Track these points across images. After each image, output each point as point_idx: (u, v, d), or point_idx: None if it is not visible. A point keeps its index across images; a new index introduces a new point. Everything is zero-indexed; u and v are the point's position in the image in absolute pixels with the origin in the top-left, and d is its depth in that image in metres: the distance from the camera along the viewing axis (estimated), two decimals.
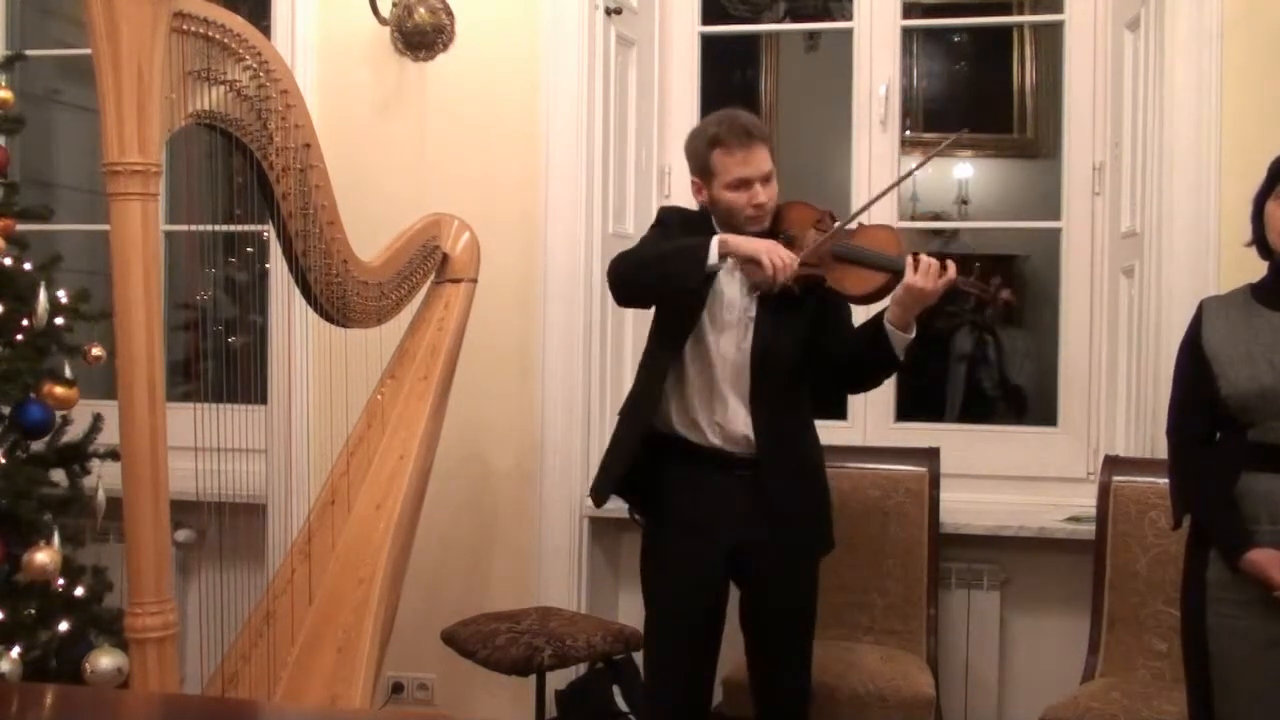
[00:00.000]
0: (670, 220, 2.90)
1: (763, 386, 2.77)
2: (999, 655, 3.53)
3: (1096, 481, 3.33)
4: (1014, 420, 5.83)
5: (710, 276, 2.68)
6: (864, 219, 2.82)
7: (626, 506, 3.09)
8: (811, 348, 2.80)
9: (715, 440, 2.79)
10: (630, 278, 2.76)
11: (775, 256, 2.61)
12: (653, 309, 2.91)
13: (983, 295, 2.67)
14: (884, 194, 2.99)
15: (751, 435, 2.77)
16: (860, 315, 2.88)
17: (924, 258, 2.61)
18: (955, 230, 6.13)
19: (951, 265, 2.61)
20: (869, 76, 3.84)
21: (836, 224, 2.76)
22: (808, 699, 2.93)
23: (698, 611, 2.83)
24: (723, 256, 2.64)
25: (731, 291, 2.78)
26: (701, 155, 2.78)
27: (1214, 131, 3.28)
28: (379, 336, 3.10)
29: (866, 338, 2.73)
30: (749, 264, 2.66)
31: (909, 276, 2.60)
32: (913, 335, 2.67)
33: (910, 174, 2.89)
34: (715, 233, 2.79)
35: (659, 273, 2.71)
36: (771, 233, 2.78)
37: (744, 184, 2.73)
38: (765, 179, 2.75)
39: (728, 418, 2.78)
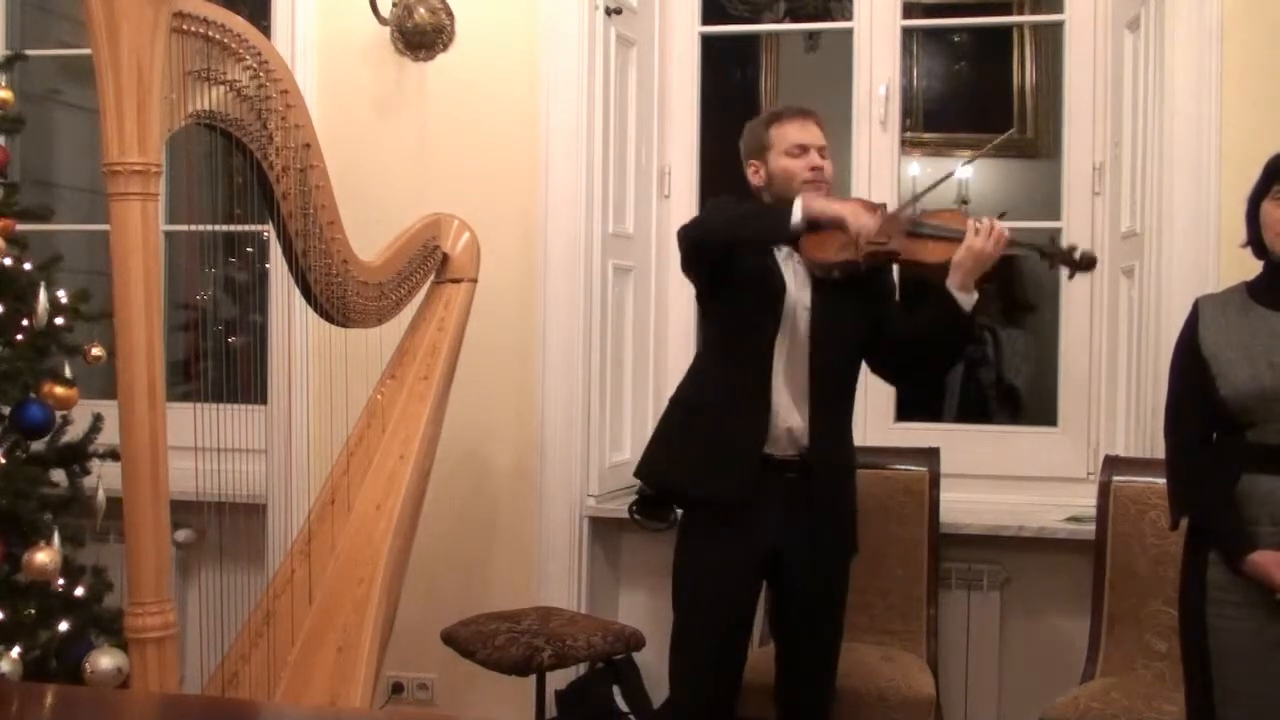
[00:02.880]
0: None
1: (820, 379, 2.76)
2: (999, 655, 3.53)
3: (1096, 481, 3.33)
4: (1010, 420, 5.82)
5: (796, 236, 2.66)
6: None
7: (627, 506, 3.07)
8: (869, 339, 2.81)
9: (763, 448, 2.77)
10: (714, 231, 2.73)
11: (861, 217, 2.63)
12: (701, 307, 2.90)
13: (1066, 259, 2.70)
14: (942, 180, 2.99)
15: (798, 433, 2.76)
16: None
17: (984, 220, 2.65)
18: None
19: (1006, 230, 2.65)
20: (869, 76, 3.84)
21: (899, 209, 2.77)
22: (831, 707, 2.93)
23: (732, 613, 2.81)
24: (807, 217, 2.64)
25: (788, 280, 2.77)
26: (759, 135, 2.83)
27: (1214, 131, 3.28)
28: (379, 336, 3.10)
29: (931, 308, 2.73)
30: (833, 226, 2.64)
31: (969, 238, 2.64)
32: (976, 296, 2.69)
33: (970, 160, 2.93)
34: None
35: (745, 230, 2.71)
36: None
37: (802, 150, 2.78)
38: (822, 150, 2.80)
39: (776, 412, 2.76)
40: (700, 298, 2.92)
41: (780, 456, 2.77)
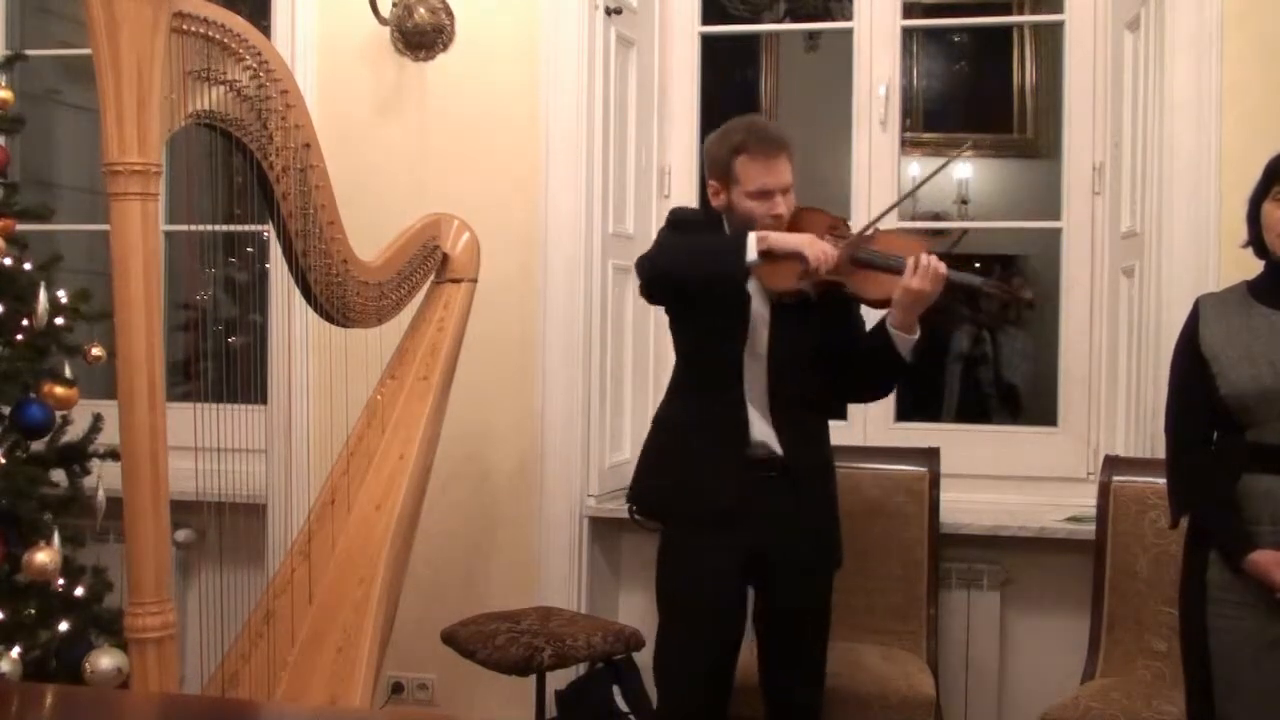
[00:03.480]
0: (686, 225, 2.85)
1: (781, 391, 2.76)
2: (999, 655, 3.53)
3: (1096, 481, 3.33)
4: (1009, 420, 5.83)
5: (748, 273, 2.63)
6: (880, 225, 2.81)
7: (627, 506, 3.08)
8: (826, 352, 2.79)
9: (745, 450, 2.77)
10: (668, 272, 2.70)
11: (818, 249, 2.59)
12: (671, 322, 2.88)
13: (1004, 296, 2.68)
14: (904, 199, 2.98)
15: (770, 443, 2.76)
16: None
17: (921, 258, 2.60)
18: (965, 230, 6.06)
19: (942, 267, 2.60)
20: (869, 76, 3.84)
21: (856, 230, 2.74)
22: (820, 707, 2.93)
23: (719, 611, 2.80)
24: (762, 253, 2.60)
25: (755, 301, 2.76)
26: (724, 161, 2.75)
27: (1214, 131, 3.28)
28: (379, 336, 3.10)
29: (872, 343, 2.73)
30: (790, 259, 2.61)
31: (906, 278, 2.60)
32: (916, 336, 2.67)
33: (932, 176, 2.89)
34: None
35: (698, 269, 2.66)
36: None
37: (765, 195, 2.72)
38: (785, 190, 2.74)
39: (752, 430, 2.77)
40: (668, 313, 2.91)
41: (758, 457, 2.77)
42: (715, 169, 2.79)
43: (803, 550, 2.80)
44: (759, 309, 2.77)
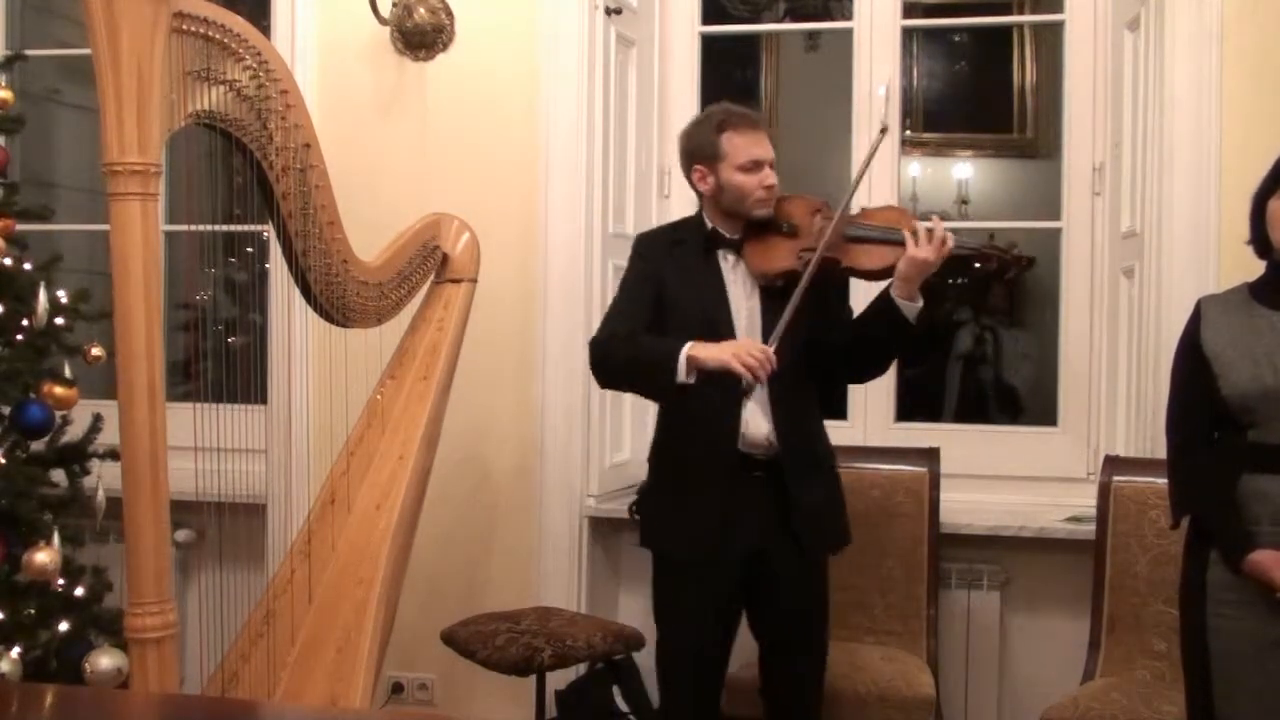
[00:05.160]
0: (650, 252, 2.86)
1: (776, 383, 2.73)
2: (999, 655, 3.53)
3: (1096, 481, 3.33)
4: (1009, 420, 5.83)
5: (686, 386, 2.63)
6: (863, 204, 2.81)
7: (627, 506, 3.07)
8: (816, 340, 2.77)
9: (736, 445, 2.76)
10: (609, 378, 2.86)
11: (745, 357, 2.56)
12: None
13: (1003, 259, 2.70)
14: (863, 170, 2.87)
15: (771, 436, 2.75)
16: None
17: (921, 226, 2.62)
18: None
19: (949, 235, 2.62)
20: (869, 76, 3.84)
21: (840, 208, 2.72)
22: (819, 701, 2.92)
23: (712, 619, 2.81)
24: (692, 370, 2.61)
25: (736, 293, 2.78)
26: (708, 141, 2.77)
27: (1214, 131, 3.28)
28: (379, 336, 3.10)
29: (876, 316, 2.71)
30: (780, 239, 2.68)
31: (909, 248, 2.61)
32: (921, 304, 2.67)
33: (874, 150, 2.81)
34: (706, 239, 2.80)
35: (634, 383, 2.88)
36: (774, 224, 2.77)
37: (756, 165, 2.74)
38: (772, 164, 2.78)
39: (746, 420, 2.75)
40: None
41: (756, 459, 2.76)
42: (700, 152, 2.80)
43: (800, 546, 2.79)
44: (748, 303, 2.76)
